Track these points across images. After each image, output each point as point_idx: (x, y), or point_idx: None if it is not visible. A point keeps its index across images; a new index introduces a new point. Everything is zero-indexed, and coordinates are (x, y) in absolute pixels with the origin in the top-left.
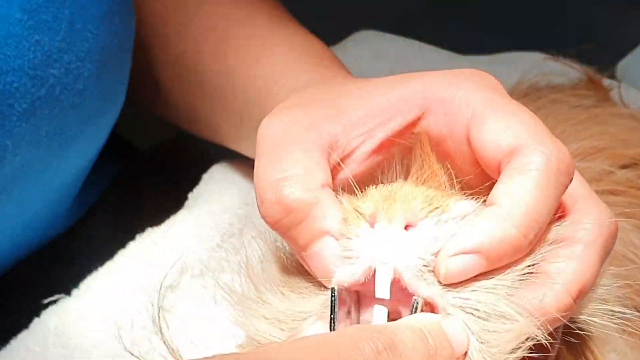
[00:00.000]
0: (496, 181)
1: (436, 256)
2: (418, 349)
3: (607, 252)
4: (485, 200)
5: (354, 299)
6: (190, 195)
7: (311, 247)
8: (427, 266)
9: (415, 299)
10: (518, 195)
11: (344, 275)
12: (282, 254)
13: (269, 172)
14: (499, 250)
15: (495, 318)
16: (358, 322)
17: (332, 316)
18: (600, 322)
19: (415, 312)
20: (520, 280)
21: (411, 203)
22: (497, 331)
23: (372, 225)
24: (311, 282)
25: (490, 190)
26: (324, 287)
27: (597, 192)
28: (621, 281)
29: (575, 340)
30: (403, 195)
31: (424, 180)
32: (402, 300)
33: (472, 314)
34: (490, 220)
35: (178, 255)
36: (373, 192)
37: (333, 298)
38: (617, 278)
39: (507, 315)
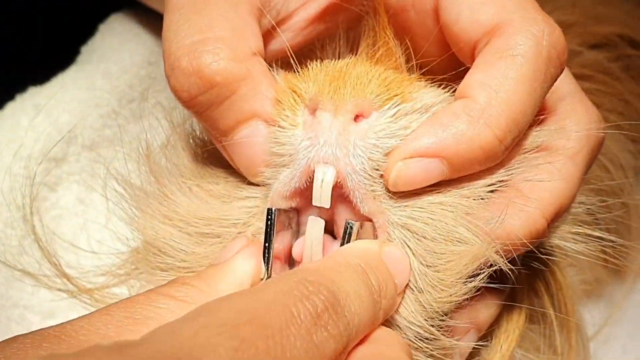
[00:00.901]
0: (469, 68)
1: (388, 160)
2: (362, 297)
3: (590, 165)
4: (454, 90)
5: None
6: (83, 48)
7: (235, 132)
8: (378, 169)
9: (348, 224)
10: (497, 87)
11: (279, 184)
12: (192, 140)
13: (183, 30)
14: (467, 155)
15: (446, 240)
16: (298, 234)
17: (267, 245)
18: (574, 247)
19: (349, 238)
20: (487, 195)
21: (364, 87)
22: (447, 254)
23: (312, 112)
24: (230, 178)
25: (462, 79)
26: (249, 183)
27: None
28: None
29: (537, 265)
30: (355, 77)
31: (377, 60)
32: (344, 209)
33: (417, 233)
34: (459, 116)
35: (66, 122)
36: (316, 69)
37: (269, 222)
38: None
39: (461, 238)
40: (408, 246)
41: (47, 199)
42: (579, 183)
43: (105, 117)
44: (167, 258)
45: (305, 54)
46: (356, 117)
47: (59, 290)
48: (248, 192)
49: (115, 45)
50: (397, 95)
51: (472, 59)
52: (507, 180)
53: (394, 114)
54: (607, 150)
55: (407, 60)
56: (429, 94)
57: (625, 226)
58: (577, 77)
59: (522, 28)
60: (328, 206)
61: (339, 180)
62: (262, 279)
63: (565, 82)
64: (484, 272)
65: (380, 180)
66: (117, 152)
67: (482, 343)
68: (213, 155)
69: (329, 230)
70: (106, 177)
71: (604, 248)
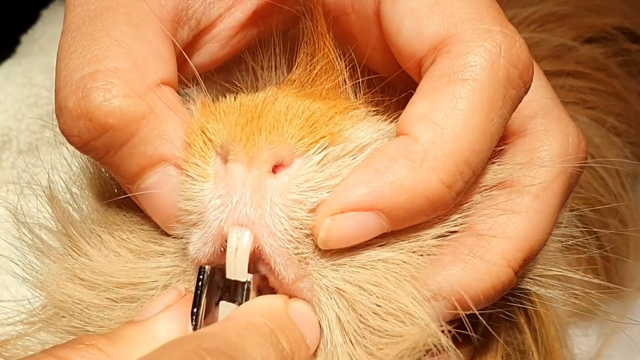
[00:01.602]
0: (417, 82)
1: (315, 215)
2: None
3: (568, 195)
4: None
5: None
6: (23, 38)
7: (141, 180)
8: (302, 229)
9: (246, 279)
10: (443, 123)
11: (193, 248)
12: (105, 173)
13: (73, 61)
14: (409, 206)
15: (386, 314)
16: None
17: (195, 310)
18: (550, 293)
19: (247, 295)
20: (439, 243)
21: (283, 130)
22: (384, 333)
23: (225, 161)
24: (146, 225)
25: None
26: (164, 233)
27: (551, 72)
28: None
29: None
30: (273, 117)
31: (314, 76)
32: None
33: (351, 301)
34: (396, 160)
35: None
36: (229, 106)
37: (200, 283)
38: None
39: (405, 312)
40: (339, 318)
41: None
42: (553, 219)
43: (45, 117)
44: (76, 321)
45: (237, 63)
46: (275, 168)
47: None
48: (166, 247)
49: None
50: (324, 137)
51: (419, 75)
52: (463, 224)
53: (320, 160)
54: (601, 157)
55: (352, 74)
56: (366, 130)
57: (623, 240)
58: (571, 75)
59: (474, 43)
60: (244, 279)
61: (256, 246)
62: None
63: (539, 95)
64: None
65: (307, 240)
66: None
67: None
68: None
69: None
70: (17, 214)
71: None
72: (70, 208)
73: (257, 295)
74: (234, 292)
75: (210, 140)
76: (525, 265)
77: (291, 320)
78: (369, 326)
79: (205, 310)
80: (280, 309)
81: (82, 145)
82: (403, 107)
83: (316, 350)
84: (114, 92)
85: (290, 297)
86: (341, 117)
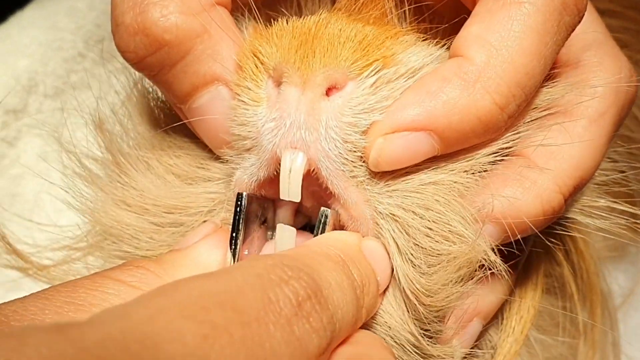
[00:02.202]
0: (467, 15)
1: (368, 135)
2: (344, 290)
3: (618, 127)
4: (449, 47)
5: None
6: None
7: (194, 99)
8: (356, 151)
9: (323, 212)
10: (498, 44)
11: (244, 173)
12: (152, 102)
13: None
14: (461, 127)
15: (437, 235)
16: (274, 230)
17: (234, 235)
18: (597, 223)
19: (323, 228)
20: (490, 167)
21: (337, 53)
22: (436, 255)
23: (277, 85)
24: (193, 150)
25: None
26: (215, 157)
27: None
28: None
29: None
30: (326, 40)
31: (360, 5)
32: (321, 197)
33: (406, 226)
34: (450, 80)
35: (25, 68)
36: (282, 29)
37: (238, 209)
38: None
39: (455, 233)
40: (396, 242)
41: (5, 155)
42: (604, 150)
43: (70, 61)
44: (125, 246)
45: None
46: (328, 90)
47: (10, 267)
48: (212, 172)
49: None
50: (377, 60)
51: (473, 2)
52: (513, 147)
53: (373, 83)
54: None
55: (399, 4)
56: (417, 54)
57: None
58: (603, 13)
59: None
60: (298, 200)
61: (311, 169)
62: None
63: (591, 28)
64: (479, 274)
65: (361, 164)
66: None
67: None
68: (174, 119)
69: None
70: (61, 144)
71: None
72: (117, 136)
73: None
74: (283, 215)
75: (262, 63)
76: (576, 193)
77: (363, 255)
78: (423, 248)
79: (244, 236)
80: (354, 245)
81: (138, 61)
82: (450, 35)
83: None
84: (171, 8)
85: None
86: (393, 41)
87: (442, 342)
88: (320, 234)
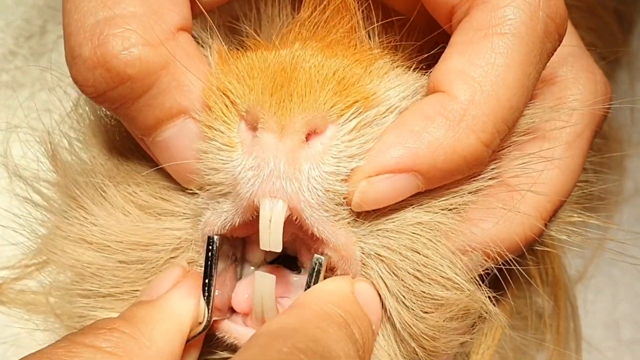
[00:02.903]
0: (449, 36)
1: (350, 178)
2: (348, 352)
3: (591, 143)
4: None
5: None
6: None
7: (158, 132)
8: (337, 198)
9: (316, 260)
10: (482, 79)
11: (216, 217)
12: (104, 119)
13: (85, 3)
14: (446, 167)
15: (427, 278)
16: (242, 268)
17: (207, 281)
18: (571, 239)
19: (317, 277)
20: (472, 199)
21: (316, 96)
22: (428, 298)
23: (252, 129)
24: (154, 176)
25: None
26: (179, 187)
27: None
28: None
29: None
30: (303, 80)
31: (326, 19)
32: (301, 239)
33: (393, 267)
34: (434, 119)
35: None
36: (253, 64)
37: (211, 254)
38: None
39: (446, 278)
40: (385, 282)
41: None
42: (581, 169)
43: (0, 59)
44: (87, 285)
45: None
46: (307, 136)
47: None
48: (176, 206)
49: None
50: (357, 101)
51: (450, 25)
52: (496, 177)
53: (353, 127)
54: None
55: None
56: (395, 89)
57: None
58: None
59: None
60: (279, 250)
61: (291, 215)
62: (200, 324)
63: (566, 42)
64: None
65: (344, 207)
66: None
67: None
68: (131, 139)
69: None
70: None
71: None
72: (68, 156)
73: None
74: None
75: (233, 104)
76: (554, 215)
77: (359, 306)
78: (413, 291)
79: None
80: (348, 294)
81: (98, 96)
82: (424, 51)
83: None
84: (133, 40)
85: (352, 276)
86: (370, 74)
87: None
88: (314, 281)
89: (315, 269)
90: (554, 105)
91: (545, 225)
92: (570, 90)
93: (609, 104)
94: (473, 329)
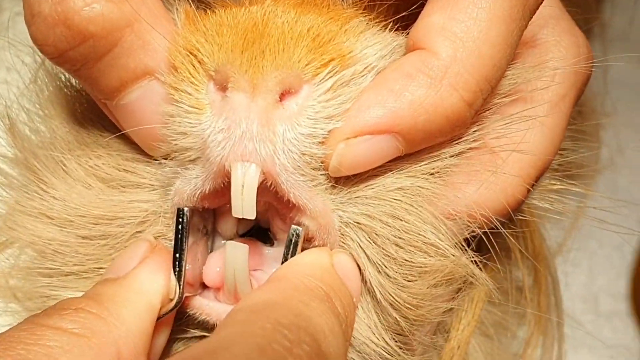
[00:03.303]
0: None
1: (328, 141)
2: (336, 333)
3: (574, 106)
4: (402, 29)
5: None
6: None
7: (122, 95)
8: (314, 162)
9: (293, 231)
10: (464, 35)
11: (186, 184)
12: (66, 89)
13: None
14: (428, 127)
15: (409, 246)
16: (213, 241)
17: (178, 256)
18: (553, 207)
19: (294, 249)
20: (454, 162)
21: (290, 53)
22: (411, 266)
23: (221, 89)
24: (117, 147)
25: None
26: (143, 158)
27: None
28: None
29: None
30: (276, 36)
31: None
32: (274, 209)
33: (374, 235)
34: (414, 77)
35: None
36: (222, 21)
37: (181, 227)
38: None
39: (429, 244)
40: (365, 252)
41: None
42: (564, 133)
43: None
44: (48, 262)
45: None
46: (281, 96)
47: None
48: (142, 178)
49: None
50: (333, 59)
51: None
52: (478, 140)
53: (330, 87)
54: None
55: None
56: (373, 47)
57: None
58: None
59: None
60: (253, 217)
61: (266, 181)
62: (172, 301)
63: (546, 3)
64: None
65: (322, 172)
66: None
67: None
68: (92, 108)
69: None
70: None
71: None
72: (27, 129)
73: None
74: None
75: (201, 63)
76: (538, 180)
77: (339, 279)
78: (395, 259)
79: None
80: (327, 266)
81: (58, 56)
82: (400, 10)
83: None
84: None
85: (330, 247)
86: (345, 32)
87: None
88: (292, 254)
89: (293, 241)
90: (537, 65)
91: (532, 186)
92: (552, 52)
93: (592, 63)
94: (458, 294)
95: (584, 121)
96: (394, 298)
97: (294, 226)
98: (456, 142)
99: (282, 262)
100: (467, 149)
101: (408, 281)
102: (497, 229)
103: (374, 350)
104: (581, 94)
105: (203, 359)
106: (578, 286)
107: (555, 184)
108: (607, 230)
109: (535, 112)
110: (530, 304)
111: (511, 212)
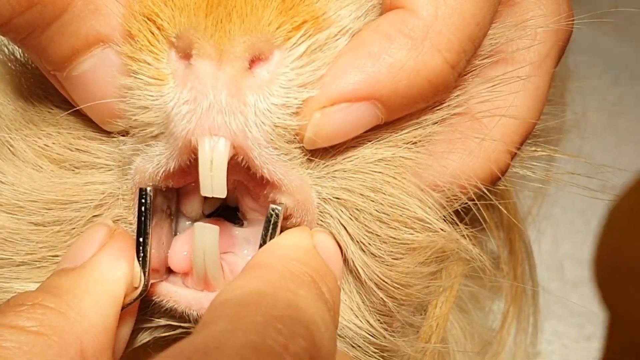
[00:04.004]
0: None
1: (302, 111)
2: (327, 323)
3: (556, 66)
4: None
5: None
6: None
7: (74, 64)
8: (288, 134)
9: (272, 210)
10: None
11: (147, 162)
12: (10, 64)
13: None
14: (409, 92)
15: (394, 221)
16: (177, 223)
17: (143, 240)
18: (535, 175)
19: (273, 229)
20: (432, 135)
21: (259, 15)
22: (396, 243)
23: (185, 57)
24: (68, 124)
25: None
26: (98, 136)
27: None
28: None
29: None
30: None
31: None
32: (244, 186)
33: (354, 211)
34: (394, 39)
35: None
36: None
37: (144, 208)
38: None
39: (415, 219)
40: (346, 229)
41: None
42: (547, 95)
43: None
44: None
45: None
46: (251, 63)
47: None
48: (97, 157)
49: None
50: (305, 21)
51: None
52: (460, 106)
53: (303, 52)
54: None
55: None
56: (348, 7)
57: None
58: None
59: None
60: (224, 195)
61: (235, 156)
62: (136, 289)
63: None
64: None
65: (297, 144)
66: None
67: None
68: (40, 83)
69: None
70: None
71: None
72: None
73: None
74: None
75: (160, 29)
76: (524, 141)
77: (323, 261)
78: (379, 236)
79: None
80: (310, 248)
81: (2, 25)
82: None
83: None
84: None
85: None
86: None
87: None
88: (271, 236)
89: (272, 221)
90: (518, 24)
91: (518, 149)
92: (532, 11)
93: (573, 20)
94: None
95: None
96: (379, 277)
97: (272, 205)
98: (438, 108)
99: (261, 245)
100: (451, 115)
101: (394, 259)
102: (483, 199)
103: (356, 334)
104: (562, 54)
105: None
106: (543, 254)
107: (536, 150)
108: (571, 196)
109: (519, 74)
110: (506, 277)
111: (501, 176)
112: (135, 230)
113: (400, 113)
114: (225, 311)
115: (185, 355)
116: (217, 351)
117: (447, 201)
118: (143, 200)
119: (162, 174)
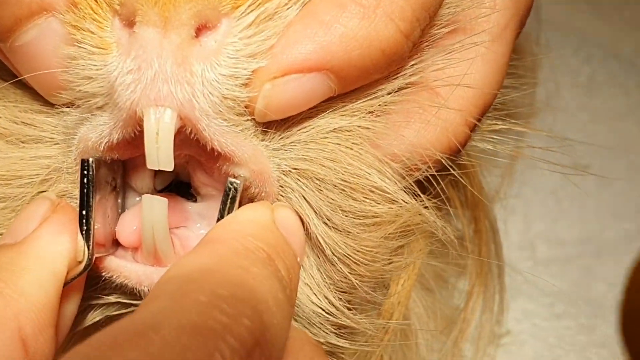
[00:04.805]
0: None
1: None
2: (280, 302)
3: (516, 37)
4: None
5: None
6: None
7: (17, 35)
8: (235, 102)
9: (230, 184)
10: None
11: (91, 132)
12: None
13: None
14: (362, 63)
15: (356, 191)
16: (124, 197)
17: (86, 213)
18: (494, 148)
19: (232, 204)
20: (388, 105)
21: None
22: (360, 214)
23: (129, 25)
24: (12, 97)
25: None
26: (44, 110)
27: None
28: None
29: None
30: None
31: None
32: (196, 160)
33: (315, 181)
34: (346, 6)
35: None
36: None
37: (87, 180)
38: None
39: (377, 189)
40: (307, 201)
41: None
42: (507, 67)
43: None
44: None
45: None
46: (197, 31)
47: None
48: (42, 131)
49: None
50: None
51: None
52: (416, 75)
53: (252, 21)
54: None
55: None
56: None
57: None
58: None
59: None
60: (171, 169)
61: (183, 127)
62: (80, 263)
63: None
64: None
65: (248, 117)
66: None
67: None
68: None
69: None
70: None
71: None
72: None
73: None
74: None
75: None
76: (482, 117)
77: (282, 237)
78: (341, 208)
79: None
80: (268, 223)
81: None
82: None
83: None
84: None
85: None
86: None
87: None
88: (229, 210)
89: (230, 195)
90: None
91: (478, 121)
92: None
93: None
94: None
95: (521, 58)
96: (343, 252)
97: (230, 179)
98: (394, 77)
99: (218, 220)
100: (406, 85)
101: (358, 232)
102: (446, 174)
103: (313, 312)
104: (523, 26)
105: (128, 343)
106: (514, 233)
107: (497, 124)
108: (543, 175)
109: (475, 40)
110: (471, 255)
111: (461, 148)
112: (78, 203)
113: (354, 85)
114: (168, 288)
115: (122, 334)
116: (153, 333)
117: (406, 171)
118: (85, 172)
119: (105, 144)
